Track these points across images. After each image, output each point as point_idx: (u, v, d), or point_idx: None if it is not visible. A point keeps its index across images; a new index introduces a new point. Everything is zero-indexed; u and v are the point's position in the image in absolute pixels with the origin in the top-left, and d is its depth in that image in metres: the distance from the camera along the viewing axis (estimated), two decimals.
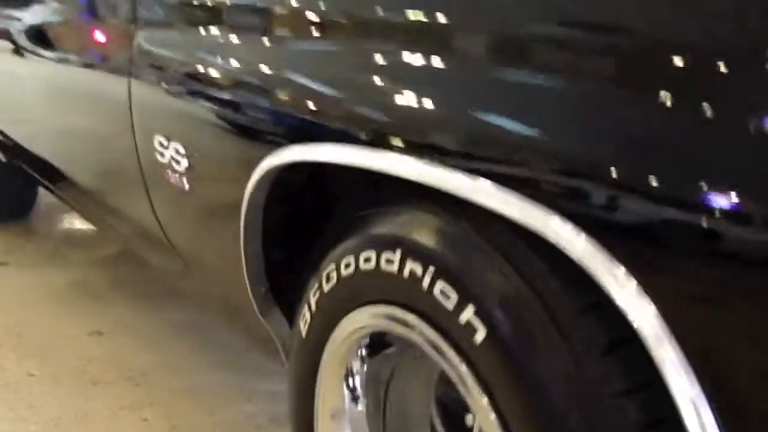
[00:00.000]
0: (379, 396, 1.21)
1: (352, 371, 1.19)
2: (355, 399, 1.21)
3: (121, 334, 2.40)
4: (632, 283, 0.72)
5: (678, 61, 0.71)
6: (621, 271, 0.72)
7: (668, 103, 0.71)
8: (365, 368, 1.18)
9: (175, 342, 2.34)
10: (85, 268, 2.89)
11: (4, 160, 2.96)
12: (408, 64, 0.96)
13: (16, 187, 3.18)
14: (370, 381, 1.19)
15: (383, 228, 1.05)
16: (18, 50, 2.30)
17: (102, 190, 2.06)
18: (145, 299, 2.57)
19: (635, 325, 0.72)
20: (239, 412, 2.02)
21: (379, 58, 1.00)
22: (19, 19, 2.28)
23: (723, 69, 0.68)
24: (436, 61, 0.94)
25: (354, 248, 1.08)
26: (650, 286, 0.71)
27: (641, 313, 0.71)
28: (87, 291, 2.70)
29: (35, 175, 2.59)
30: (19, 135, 2.56)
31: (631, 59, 0.75)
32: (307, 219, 1.27)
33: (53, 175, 2.38)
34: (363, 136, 0.99)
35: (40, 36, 2.17)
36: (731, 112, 0.67)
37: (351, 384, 1.20)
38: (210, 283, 1.64)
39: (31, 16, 2.22)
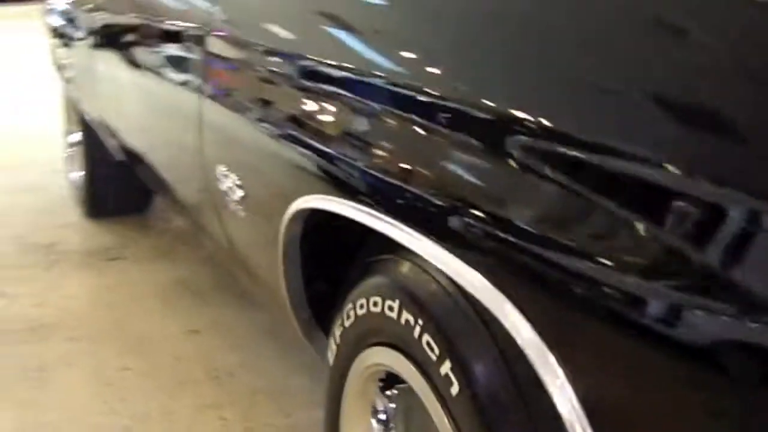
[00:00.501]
0: (401, 428, 1.29)
1: (372, 403, 1.28)
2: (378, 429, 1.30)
3: (214, 334, 2.56)
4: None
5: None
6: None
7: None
8: (383, 401, 1.27)
9: (263, 343, 2.48)
10: (192, 266, 3.08)
11: (121, 158, 3.18)
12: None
13: (134, 183, 3.41)
14: (391, 413, 1.28)
15: (389, 276, 1.14)
16: (117, 54, 2.53)
17: (185, 199, 2.21)
18: (243, 300, 2.72)
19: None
20: (314, 417, 2.13)
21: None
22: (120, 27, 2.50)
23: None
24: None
25: (365, 291, 1.18)
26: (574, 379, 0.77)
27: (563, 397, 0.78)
28: (190, 289, 2.89)
29: (141, 176, 2.80)
30: (121, 136, 2.77)
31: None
32: (340, 253, 1.36)
33: (156, 181, 2.56)
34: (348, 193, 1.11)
35: (131, 43, 2.36)
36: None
37: (371, 414, 1.29)
38: (269, 303, 1.76)
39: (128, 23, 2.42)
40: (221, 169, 1.58)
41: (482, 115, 0.88)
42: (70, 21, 3.31)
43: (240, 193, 1.52)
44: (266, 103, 1.40)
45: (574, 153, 0.76)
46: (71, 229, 3.49)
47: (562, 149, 0.77)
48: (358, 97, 1.12)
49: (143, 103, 2.34)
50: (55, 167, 4.23)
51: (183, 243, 3.35)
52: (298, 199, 1.26)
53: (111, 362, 2.40)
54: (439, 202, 0.93)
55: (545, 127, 0.79)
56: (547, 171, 0.78)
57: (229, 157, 1.57)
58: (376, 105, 1.07)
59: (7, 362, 2.38)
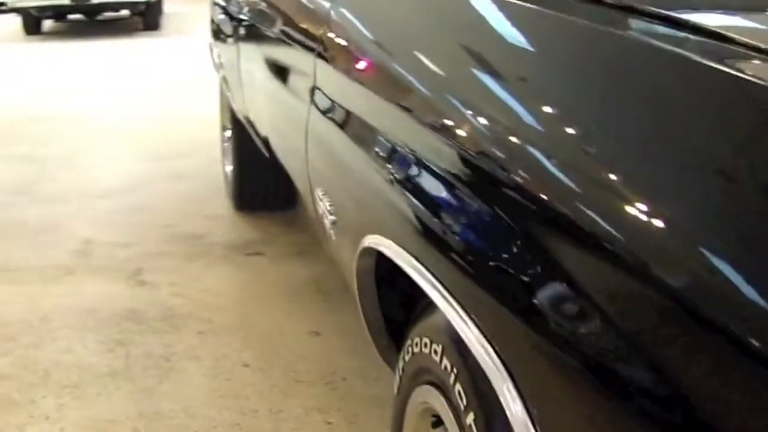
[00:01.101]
0: None
1: None
2: None
3: (335, 337, 2.64)
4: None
5: None
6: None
7: None
8: None
9: None
10: (325, 266, 3.17)
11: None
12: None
13: (280, 178, 3.55)
14: None
15: (438, 319, 1.16)
16: (254, 54, 2.65)
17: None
18: None
19: None
20: None
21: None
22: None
23: None
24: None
25: (421, 330, 1.23)
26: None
27: None
28: (320, 290, 2.99)
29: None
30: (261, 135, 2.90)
31: None
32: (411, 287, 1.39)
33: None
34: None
35: (264, 44, 2.46)
36: None
37: None
38: None
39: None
40: (319, 191, 1.64)
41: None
42: (224, 18, 3.49)
43: (332, 218, 1.57)
44: (356, 133, 1.43)
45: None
46: (219, 221, 3.67)
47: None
48: (454, 146, 1.04)
49: (272, 106, 2.44)
50: (214, 155, 4.45)
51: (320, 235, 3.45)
52: (368, 235, 1.30)
53: (232, 357, 2.52)
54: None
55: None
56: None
57: (325, 180, 1.63)
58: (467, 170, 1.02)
59: (135, 349, 2.56)
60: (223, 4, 3.53)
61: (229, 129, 3.86)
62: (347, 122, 1.48)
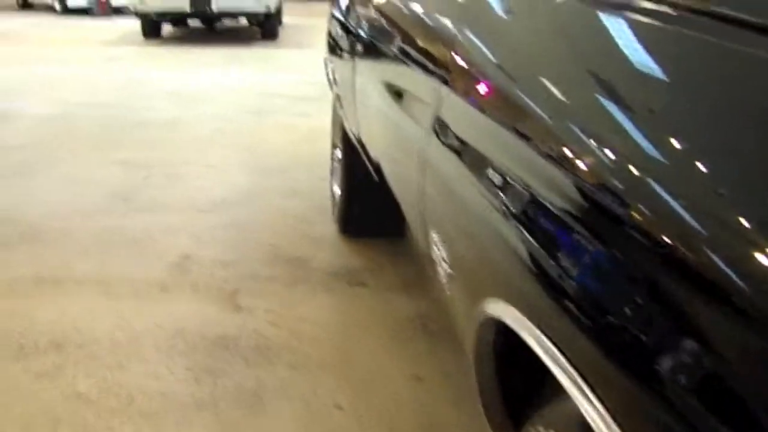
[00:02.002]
0: None
1: None
2: None
3: (437, 383, 2.49)
4: None
5: None
6: None
7: None
8: None
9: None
10: (432, 303, 3.03)
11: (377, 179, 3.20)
12: None
13: (392, 205, 3.42)
14: None
15: (558, 410, 1.03)
16: (371, 74, 2.52)
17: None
18: None
19: None
20: None
21: None
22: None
23: None
24: None
25: (544, 419, 1.09)
26: None
27: None
28: (425, 329, 2.84)
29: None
30: (373, 159, 2.78)
31: None
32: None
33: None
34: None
35: (383, 64, 2.33)
36: None
37: None
38: None
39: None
40: (434, 235, 1.49)
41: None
42: (341, 33, 3.39)
43: (448, 270, 1.42)
44: (483, 175, 1.24)
45: None
46: (323, 245, 3.57)
47: None
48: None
49: (387, 130, 2.31)
50: (321, 173, 4.39)
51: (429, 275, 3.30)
52: (490, 298, 1.15)
53: (325, 397, 2.39)
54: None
55: None
56: None
57: (443, 223, 1.47)
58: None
59: (223, 380, 2.45)
60: (341, 18, 3.44)
61: (339, 148, 3.76)
62: (473, 161, 1.30)
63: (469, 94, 1.42)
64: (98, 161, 4.93)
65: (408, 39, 2.08)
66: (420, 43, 1.93)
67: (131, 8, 11.72)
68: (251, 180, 4.53)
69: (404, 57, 2.02)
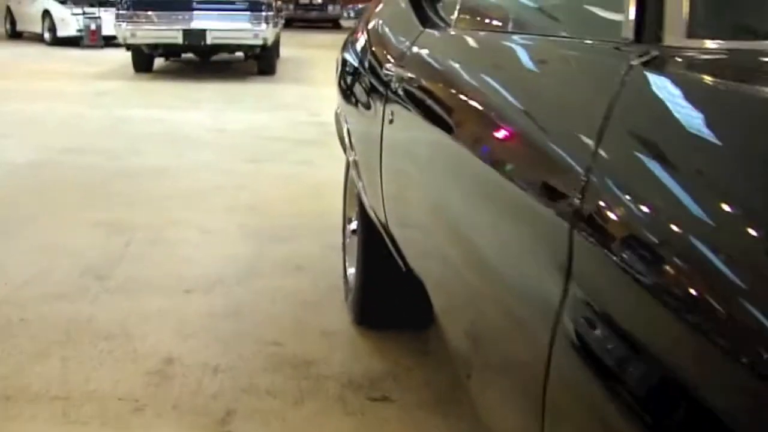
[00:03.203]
0: None
1: None
2: None
3: None
4: None
5: None
6: None
7: None
8: None
9: None
10: (471, 424, 2.42)
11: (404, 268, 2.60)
12: None
13: (418, 292, 2.83)
14: None
15: None
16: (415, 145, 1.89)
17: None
18: None
19: None
20: None
21: None
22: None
23: None
24: None
25: None
26: None
27: None
28: None
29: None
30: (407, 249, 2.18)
31: None
32: None
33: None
34: None
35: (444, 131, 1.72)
36: None
37: None
38: None
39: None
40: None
41: None
42: (364, 83, 2.80)
43: None
44: None
45: None
46: (336, 341, 2.96)
47: None
48: None
49: (436, 231, 1.72)
50: (331, 241, 3.78)
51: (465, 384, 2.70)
52: None
53: None
54: None
55: None
56: None
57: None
58: None
59: None
60: (360, 64, 2.86)
61: (354, 222, 3.17)
62: None
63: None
64: (75, 222, 4.31)
65: (471, 108, 1.48)
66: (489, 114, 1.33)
67: (121, 41, 11.16)
68: (250, 250, 3.90)
69: (468, 135, 1.42)
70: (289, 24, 20.04)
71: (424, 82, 1.91)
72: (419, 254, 2.09)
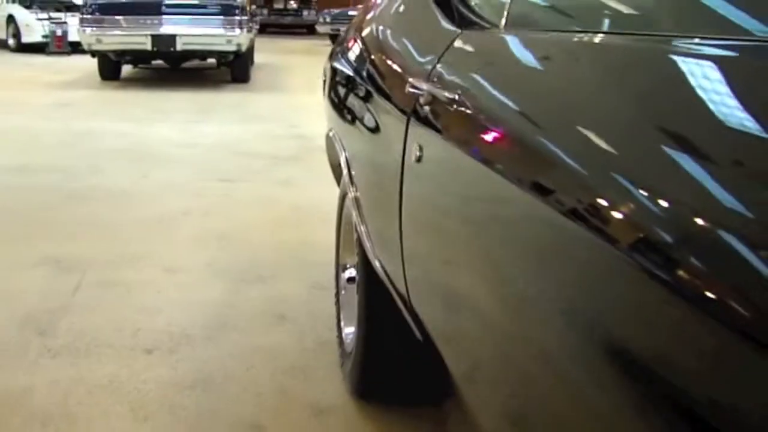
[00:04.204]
0: None
1: None
2: None
3: None
4: None
5: None
6: None
7: None
8: None
9: None
10: None
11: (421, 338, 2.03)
12: None
13: (431, 362, 2.26)
14: None
15: None
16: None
17: None
18: None
19: None
20: None
21: None
22: None
23: None
24: None
25: None
26: None
27: None
28: None
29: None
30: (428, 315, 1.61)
31: None
32: None
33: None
34: None
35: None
36: None
37: None
38: None
39: None
40: None
41: None
42: (354, 92, 2.24)
43: None
44: None
45: None
46: (331, 420, 2.37)
47: None
48: None
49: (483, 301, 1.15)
50: (318, 280, 3.22)
51: None
52: None
53: None
54: None
55: None
56: None
57: None
58: None
59: None
60: (362, 74, 2.29)
61: (350, 269, 2.59)
62: None
63: None
64: (18, 259, 3.68)
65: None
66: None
67: (86, 47, 10.50)
68: (222, 295, 3.28)
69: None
70: (264, 30, 19.43)
71: (473, 104, 1.32)
72: (455, 336, 1.51)
